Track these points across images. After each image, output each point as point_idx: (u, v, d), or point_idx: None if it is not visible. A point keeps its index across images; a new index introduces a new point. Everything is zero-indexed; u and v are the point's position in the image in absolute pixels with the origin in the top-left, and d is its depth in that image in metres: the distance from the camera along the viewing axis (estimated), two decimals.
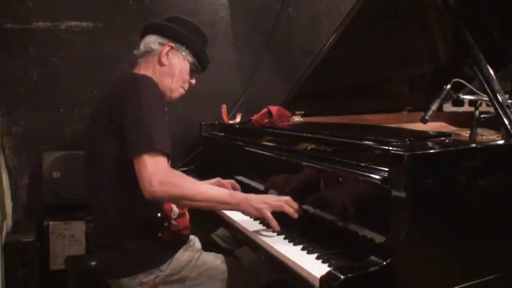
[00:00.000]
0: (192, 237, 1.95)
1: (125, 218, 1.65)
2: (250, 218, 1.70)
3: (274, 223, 1.54)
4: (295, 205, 1.58)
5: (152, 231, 1.68)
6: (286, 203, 1.57)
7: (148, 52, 1.81)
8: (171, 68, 1.81)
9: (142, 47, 1.83)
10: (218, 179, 2.04)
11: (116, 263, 1.67)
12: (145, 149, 1.50)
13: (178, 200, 1.59)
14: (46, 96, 2.70)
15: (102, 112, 1.66)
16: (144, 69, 1.80)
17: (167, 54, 1.80)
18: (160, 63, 1.80)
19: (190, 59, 1.85)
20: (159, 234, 1.69)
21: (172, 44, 1.81)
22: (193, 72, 1.89)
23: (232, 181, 2.00)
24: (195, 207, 1.62)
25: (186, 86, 1.90)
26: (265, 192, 1.96)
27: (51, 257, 2.48)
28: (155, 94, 1.63)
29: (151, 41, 1.81)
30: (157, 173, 1.48)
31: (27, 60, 2.66)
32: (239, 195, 1.61)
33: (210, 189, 1.60)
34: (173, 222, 1.74)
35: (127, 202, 1.63)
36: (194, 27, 1.91)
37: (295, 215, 1.55)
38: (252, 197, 1.59)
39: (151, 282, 1.65)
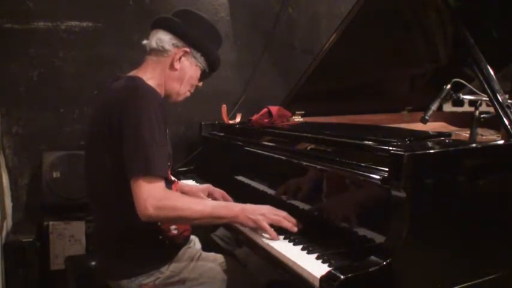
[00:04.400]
0: (192, 237, 1.95)
1: (125, 222, 1.61)
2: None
3: (273, 234, 1.54)
4: (293, 220, 1.58)
5: (152, 234, 1.66)
6: (285, 218, 1.57)
7: (160, 52, 1.72)
8: (181, 73, 1.75)
9: (154, 43, 1.73)
10: (208, 185, 2.04)
11: (115, 265, 1.67)
12: (141, 172, 1.48)
13: (175, 221, 1.64)
14: (46, 96, 2.70)
15: (102, 121, 1.61)
16: (152, 69, 1.73)
17: (180, 58, 1.73)
18: (172, 68, 1.73)
19: (203, 65, 1.79)
20: (160, 237, 1.67)
21: (188, 50, 1.73)
22: (203, 77, 1.84)
23: (223, 192, 2.00)
24: (194, 225, 1.62)
25: (193, 89, 1.85)
26: (265, 192, 1.97)
27: (51, 257, 2.48)
28: (157, 110, 1.56)
29: (166, 40, 1.72)
30: (152, 197, 1.47)
31: (27, 60, 2.65)
32: (236, 208, 1.61)
33: (206, 207, 1.59)
34: (173, 226, 1.71)
35: (127, 208, 1.56)
36: (210, 27, 1.83)
37: (295, 229, 1.56)
38: (248, 208, 1.60)
39: (151, 284, 1.64)
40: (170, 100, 1.81)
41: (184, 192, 1.97)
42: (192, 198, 1.67)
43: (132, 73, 1.75)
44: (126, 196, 1.53)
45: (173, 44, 1.72)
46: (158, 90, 1.72)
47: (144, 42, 1.77)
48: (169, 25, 1.75)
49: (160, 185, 1.52)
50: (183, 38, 1.73)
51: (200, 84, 1.87)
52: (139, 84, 1.63)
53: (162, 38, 1.72)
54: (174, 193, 1.63)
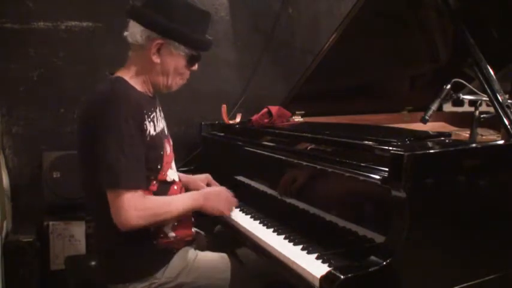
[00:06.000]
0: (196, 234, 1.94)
1: (117, 227, 1.56)
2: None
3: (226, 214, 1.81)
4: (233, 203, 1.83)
5: (146, 239, 1.63)
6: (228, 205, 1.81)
7: (137, 46, 1.63)
8: (164, 67, 1.64)
9: (129, 37, 1.63)
10: (207, 175, 2.06)
11: (111, 269, 1.66)
12: (112, 186, 1.49)
13: (155, 224, 1.62)
14: (46, 96, 2.69)
15: (82, 131, 1.61)
16: (134, 66, 1.66)
17: (157, 51, 1.62)
18: (152, 62, 1.62)
19: (186, 51, 1.65)
20: (154, 242, 1.65)
21: (161, 41, 1.60)
22: (193, 61, 1.70)
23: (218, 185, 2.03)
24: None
25: (187, 75, 1.73)
26: (265, 192, 1.97)
27: (51, 257, 2.48)
28: (127, 116, 1.51)
29: (137, 33, 1.60)
30: (132, 208, 1.49)
31: (27, 60, 2.65)
32: (201, 198, 1.72)
33: (179, 204, 1.65)
34: (170, 232, 1.69)
35: None
36: (188, 8, 1.66)
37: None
38: (210, 197, 1.75)
39: None
40: (163, 93, 1.75)
41: (182, 182, 1.96)
42: (166, 199, 1.66)
43: (118, 72, 1.69)
44: None
45: (147, 37, 1.60)
46: (144, 87, 1.68)
47: (125, 34, 1.65)
48: (138, 16, 1.62)
49: (135, 194, 1.51)
50: (154, 30, 1.59)
51: (195, 68, 1.73)
52: (110, 90, 1.57)
53: (134, 31, 1.61)
54: (151, 199, 1.60)
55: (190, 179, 2.04)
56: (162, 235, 1.66)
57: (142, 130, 1.57)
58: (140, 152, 1.56)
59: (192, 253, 1.75)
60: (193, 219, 1.83)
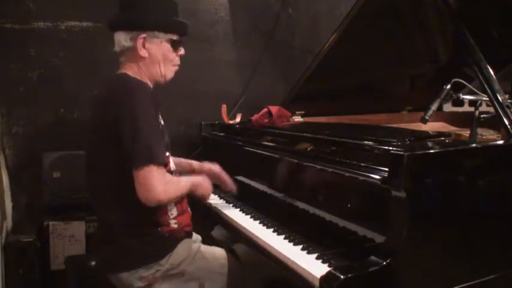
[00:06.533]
0: (195, 235, 1.95)
1: (125, 215, 1.67)
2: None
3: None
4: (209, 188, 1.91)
5: (151, 227, 1.70)
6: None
7: (125, 51, 1.76)
8: (153, 57, 1.76)
9: (116, 46, 1.77)
10: (220, 170, 2.10)
11: (115, 258, 1.69)
12: (145, 163, 1.56)
13: (173, 201, 1.73)
14: (46, 96, 2.69)
15: (100, 119, 1.68)
16: (130, 68, 1.77)
17: (143, 46, 1.74)
18: (142, 58, 1.75)
19: (167, 37, 1.78)
20: (159, 229, 1.70)
21: (144, 35, 1.73)
22: (176, 45, 1.81)
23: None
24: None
25: (177, 60, 1.84)
26: (265, 192, 1.97)
27: (51, 257, 2.48)
28: (148, 102, 1.62)
29: (122, 39, 1.75)
30: (161, 183, 1.57)
31: (27, 60, 2.65)
32: (196, 182, 1.84)
33: (187, 184, 1.78)
34: (173, 220, 1.74)
35: (126, 201, 1.63)
36: (153, 1, 1.79)
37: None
38: (201, 185, 1.86)
39: (150, 277, 1.66)
40: (162, 84, 1.83)
41: (195, 169, 2.11)
42: (179, 178, 1.82)
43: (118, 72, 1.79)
44: (125, 190, 1.59)
45: (130, 39, 1.74)
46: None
47: (114, 49, 1.79)
48: (117, 24, 1.78)
49: (163, 171, 1.62)
50: (133, 29, 1.74)
51: (182, 52, 1.84)
52: (126, 79, 1.72)
53: (119, 39, 1.76)
54: (168, 175, 1.71)
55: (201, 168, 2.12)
56: (165, 223, 1.72)
57: (157, 114, 1.69)
58: (161, 133, 1.68)
59: (195, 245, 1.80)
60: (190, 211, 1.87)
